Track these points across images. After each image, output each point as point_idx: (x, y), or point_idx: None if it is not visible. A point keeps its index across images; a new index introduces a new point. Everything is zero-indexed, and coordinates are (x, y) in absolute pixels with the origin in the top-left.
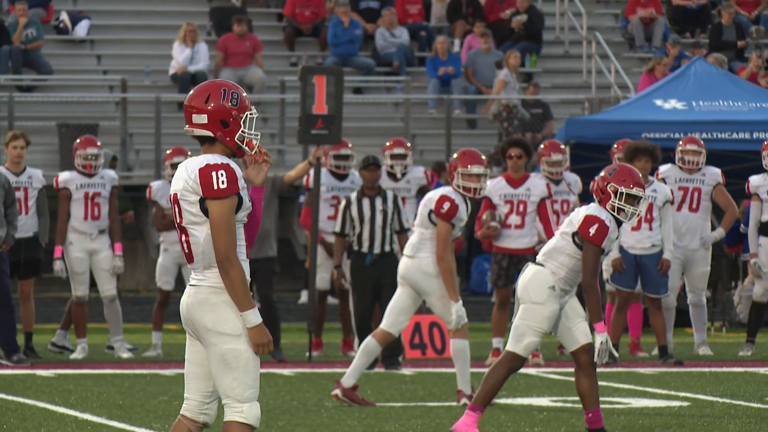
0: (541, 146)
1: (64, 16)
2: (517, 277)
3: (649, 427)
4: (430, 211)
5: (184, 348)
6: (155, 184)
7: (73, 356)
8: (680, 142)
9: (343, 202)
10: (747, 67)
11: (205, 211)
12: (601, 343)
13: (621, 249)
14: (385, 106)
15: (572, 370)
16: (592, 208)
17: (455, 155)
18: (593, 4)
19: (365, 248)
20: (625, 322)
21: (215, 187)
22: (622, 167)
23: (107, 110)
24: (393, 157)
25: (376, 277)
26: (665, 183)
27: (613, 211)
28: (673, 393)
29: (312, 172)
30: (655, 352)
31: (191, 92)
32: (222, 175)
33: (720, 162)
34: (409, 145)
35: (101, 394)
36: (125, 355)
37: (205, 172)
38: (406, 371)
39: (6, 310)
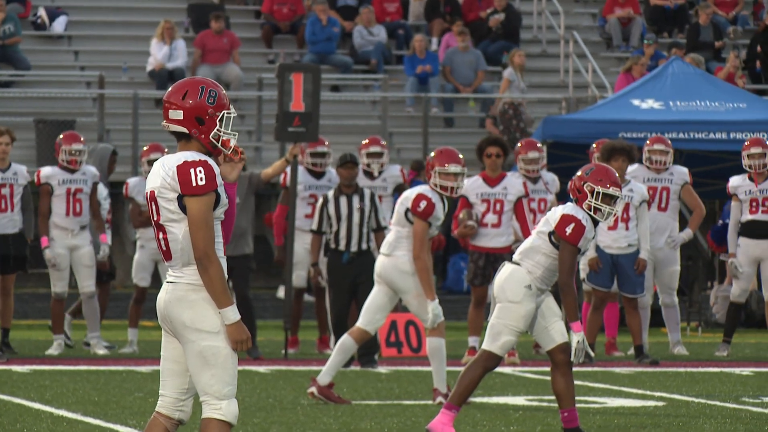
0: (518, 144)
1: (41, 12)
2: (494, 276)
3: (625, 427)
4: (407, 210)
5: (160, 345)
6: (132, 181)
7: (48, 352)
8: (647, 142)
9: (320, 200)
10: (724, 67)
11: (183, 208)
12: (578, 342)
13: (597, 248)
14: (362, 104)
15: (548, 369)
16: (569, 208)
17: (432, 154)
18: (571, 4)
19: (342, 246)
20: (601, 321)
21: (194, 184)
22: (599, 167)
23: (84, 106)
24: (369, 155)
25: (352, 275)
26: None
27: (590, 210)
28: (648, 393)
29: (289, 169)
30: (631, 351)
31: (170, 88)
32: (200, 171)
33: (697, 162)
34: (384, 143)
35: (77, 391)
36: (101, 351)
37: (183, 169)
38: (382, 369)
39: None
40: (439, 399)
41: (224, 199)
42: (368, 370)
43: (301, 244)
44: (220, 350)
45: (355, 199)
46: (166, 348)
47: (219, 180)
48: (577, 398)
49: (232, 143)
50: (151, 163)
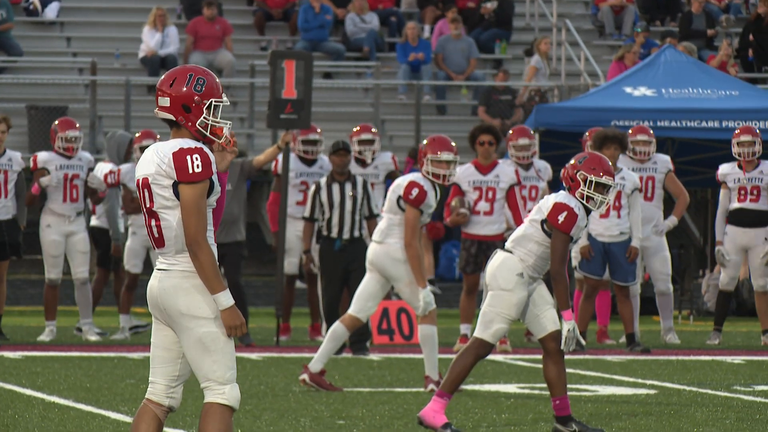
0: (510, 132)
1: None
2: (486, 264)
3: (616, 415)
4: (399, 197)
5: (143, 324)
6: (124, 167)
7: (40, 338)
8: (629, 132)
9: (313, 187)
10: (717, 55)
11: (178, 195)
12: (569, 330)
13: (589, 236)
14: (354, 92)
15: (540, 357)
16: (561, 196)
17: (425, 141)
18: None
19: (334, 233)
20: (592, 309)
21: (190, 171)
22: (592, 155)
23: (77, 92)
24: (361, 142)
25: (344, 262)
26: None
27: (583, 199)
28: (640, 381)
29: (281, 157)
30: (623, 339)
31: (163, 75)
32: (197, 159)
33: (689, 150)
34: (375, 130)
35: (68, 377)
36: (93, 338)
37: (179, 156)
38: (374, 357)
39: None
40: (431, 386)
41: (217, 187)
42: (360, 357)
43: (293, 231)
44: (219, 336)
45: (348, 187)
46: (157, 335)
47: (214, 167)
48: (568, 386)
49: (226, 132)
50: (143, 149)
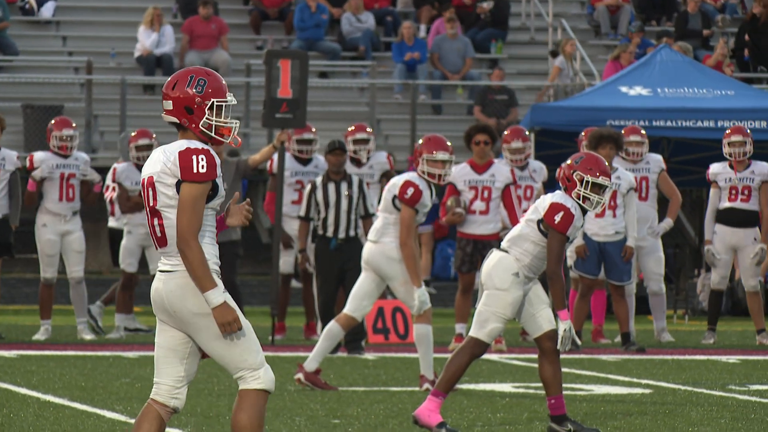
0: (505, 132)
1: None
2: (482, 263)
3: (611, 414)
4: (394, 197)
5: (145, 329)
6: (119, 166)
7: (35, 337)
8: (622, 132)
9: (309, 187)
10: (713, 55)
11: None
12: (565, 330)
13: (585, 236)
14: (350, 91)
15: (535, 356)
16: (558, 196)
17: (420, 141)
18: None
19: (330, 233)
20: (588, 309)
21: (194, 171)
22: (589, 156)
23: (72, 92)
24: (356, 142)
25: (340, 261)
26: None
27: (579, 199)
28: (635, 380)
29: (276, 156)
30: (618, 339)
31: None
32: (202, 159)
33: (684, 150)
34: (371, 129)
35: (63, 376)
36: (88, 336)
37: (185, 156)
38: (369, 356)
39: None
40: (426, 386)
41: (222, 191)
42: (355, 356)
43: (289, 230)
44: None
45: (344, 186)
46: (162, 336)
47: (218, 171)
48: (564, 385)
49: (234, 132)
50: (139, 148)
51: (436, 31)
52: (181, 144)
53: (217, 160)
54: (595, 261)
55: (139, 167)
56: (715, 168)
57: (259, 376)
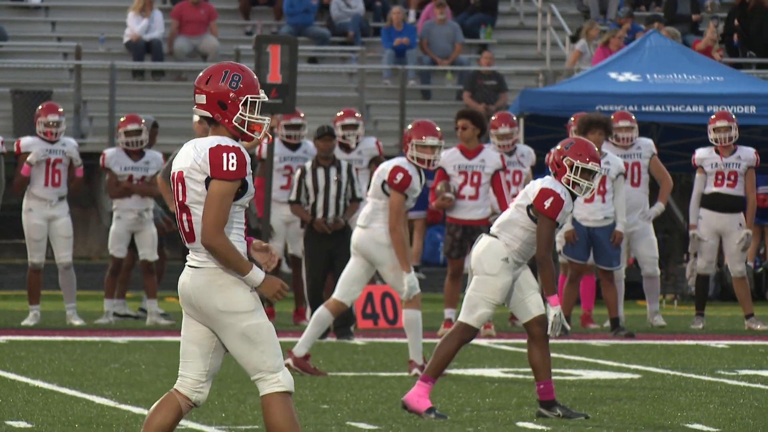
0: (492, 118)
1: None
2: (471, 249)
3: (600, 399)
4: (384, 182)
5: (134, 316)
6: (109, 152)
7: (24, 323)
8: (612, 117)
9: (298, 171)
10: (702, 40)
11: None
12: (555, 316)
13: (574, 221)
14: (339, 76)
15: (524, 341)
16: (548, 182)
17: (410, 126)
18: None
19: (319, 218)
20: (577, 294)
21: (224, 168)
22: (579, 141)
23: (61, 77)
24: (344, 127)
25: (329, 247)
26: None
27: (569, 185)
28: (624, 365)
29: (265, 142)
30: (607, 324)
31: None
32: (233, 157)
33: (673, 135)
34: (359, 115)
35: (53, 361)
36: (77, 322)
37: (216, 152)
38: (358, 341)
39: None
40: (415, 371)
41: (251, 189)
42: (344, 341)
43: (278, 215)
44: (262, 326)
45: (333, 171)
46: (188, 330)
47: (248, 169)
48: (553, 370)
49: (265, 128)
50: (128, 133)
51: (426, 16)
52: (212, 140)
53: (248, 158)
54: (584, 246)
55: (128, 152)
56: (700, 153)
57: (278, 380)
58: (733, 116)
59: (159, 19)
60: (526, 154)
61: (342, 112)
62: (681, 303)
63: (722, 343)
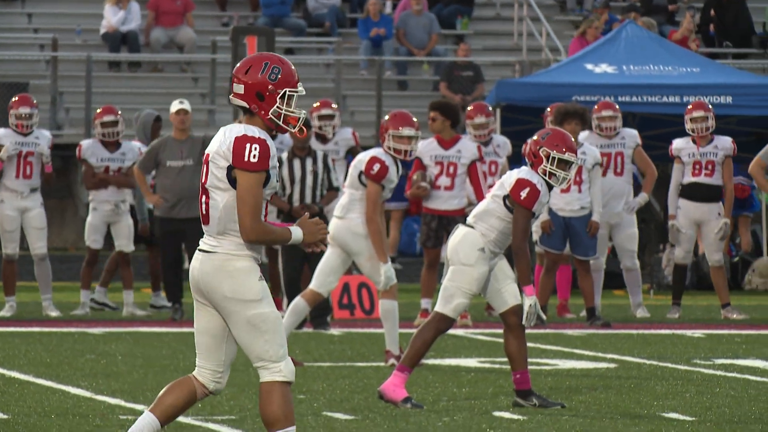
0: (468, 108)
1: None
2: (447, 239)
3: (576, 388)
4: (360, 173)
5: (111, 307)
6: (85, 143)
7: (0, 314)
8: (595, 108)
9: None
10: (678, 30)
11: (230, 179)
12: (530, 306)
13: (550, 211)
14: (316, 67)
15: (500, 331)
16: (524, 172)
17: (386, 117)
18: None
19: (296, 206)
20: (553, 283)
21: (245, 159)
22: (555, 132)
23: (38, 69)
24: (321, 118)
25: None
26: None
27: (545, 175)
28: (600, 354)
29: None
30: (583, 313)
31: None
32: (255, 149)
33: (650, 125)
34: (336, 105)
35: (29, 352)
36: (54, 313)
37: (240, 142)
38: (335, 331)
39: None
40: (392, 361)
41: (274, 182)
42: (321, 332)
43: None
44: (268, 316)
45: (309, 162)
46: (200, 320)
47: (273, 162)
48: (529, 360)
49: (300, 121)
50: (104, 125)
51: (402, 7)
52: (240, 129)
53: (273, 151)
54: (560, 236)
55: (105, 144)
56: (678, 143)
57: (280, 369)
58: (710, 106)
59: (135, 10)
60: (503, 144)
61: (318, 103)
62: (657, 292)
63: (698, 333)
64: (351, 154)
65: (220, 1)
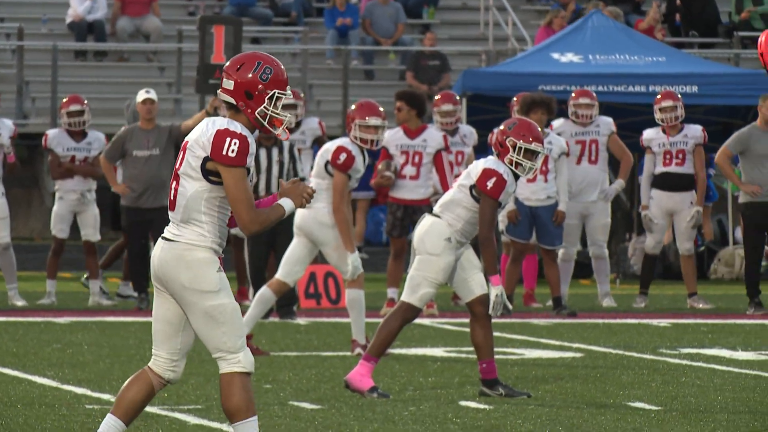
0: (436, 97)
1: None
2: (413, 228)
3: (543, 378)
4: (327, 162)
5: (77, 296)
6: (51, 132)
7: None
8: (572, 95)
9: None
10: (644, 19)
11: (204, 171)
12: (496, 296)
13: (516, 200)
14: (282, 57)
15: (467, 320)
16: (491, 162)
17: (353, 107)
18: None
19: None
20: (519, 273)
21: (223, 153)
22: (522, 121)
23: (4, 58)
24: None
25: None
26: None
27: (512, 165)
28: (566, 344)
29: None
30: (549, 303)
31: (232, 58)
32: (235, 144)
33: (616, 115)
34: (302, 95)
35: None
36: (19, 303)
37: (221, 135)
38: (301, 321)
39: None
40: (358, 350)
41: (252, 178)
42: (287, 321)
43: None
44: (226, 307)
45: (275, 152)
46: (158, 309)
47: (250, 160)
48: (495, 349)
49: (285, 124)
50: (70, 114)
51: None
52: (223, 123)
53: (252, 149)
54: (526, 225)
55: (71, 133)
56: (648, 134)
57: (239, 360)
58: (679, 96)
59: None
60: (469, 134)
61: None
62: (623, 282)
63: (664, 322)
64: (317, 143)
65: None
